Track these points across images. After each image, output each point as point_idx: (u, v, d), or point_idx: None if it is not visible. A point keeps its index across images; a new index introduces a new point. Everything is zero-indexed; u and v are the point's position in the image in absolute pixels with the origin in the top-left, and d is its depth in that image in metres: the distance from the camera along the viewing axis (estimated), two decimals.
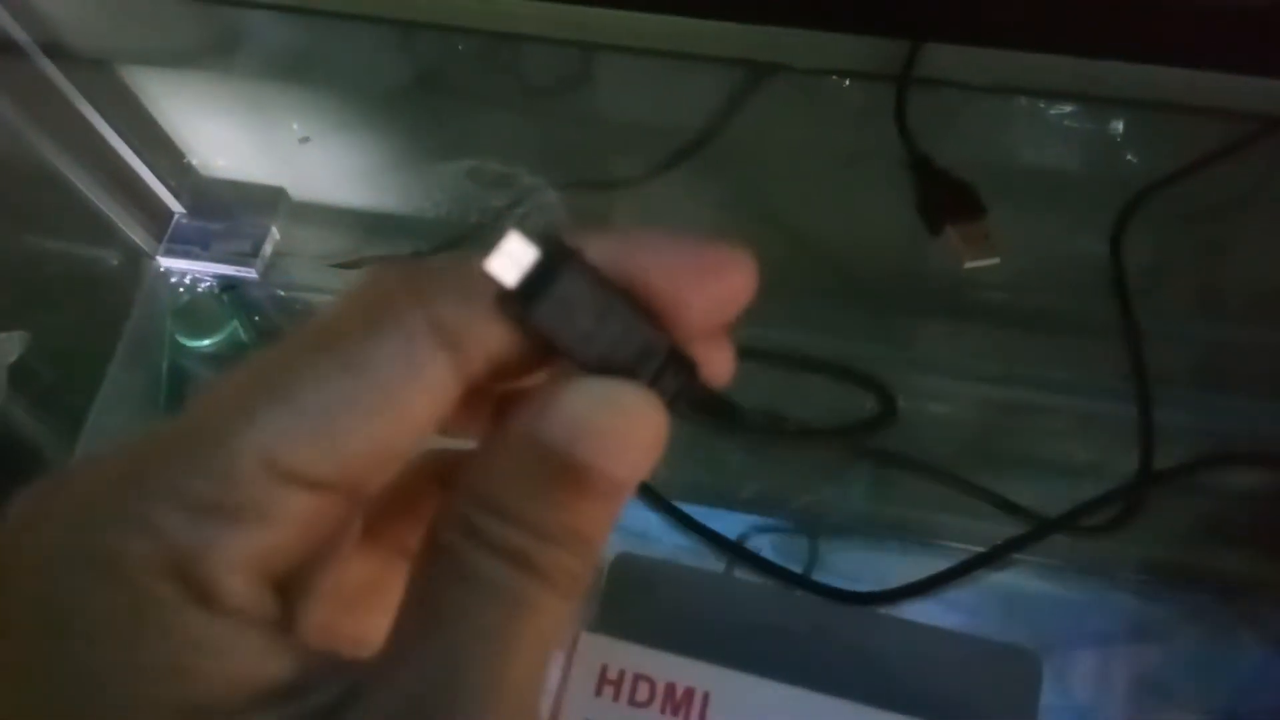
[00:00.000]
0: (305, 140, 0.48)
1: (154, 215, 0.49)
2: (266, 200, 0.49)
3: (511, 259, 0.15)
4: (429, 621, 0.15)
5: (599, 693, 0.33)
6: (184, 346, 0.46)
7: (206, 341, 0.46)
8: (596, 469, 0.15)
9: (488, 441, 0.16)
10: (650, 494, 0.40)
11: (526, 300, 0.15)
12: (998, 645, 0.35)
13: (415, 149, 0.52)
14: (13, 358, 0.46)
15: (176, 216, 0.49)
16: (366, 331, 0.15)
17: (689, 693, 0.33)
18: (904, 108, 0.47)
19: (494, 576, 0.15)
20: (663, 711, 0.33)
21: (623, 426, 0.15)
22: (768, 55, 0.50)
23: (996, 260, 0.43)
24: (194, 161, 0.51)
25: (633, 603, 0.37)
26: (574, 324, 0.15)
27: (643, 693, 0.33)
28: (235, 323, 0.46)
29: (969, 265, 0.43)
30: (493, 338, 0.15)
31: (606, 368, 0.15)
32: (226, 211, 0.49)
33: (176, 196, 0.49)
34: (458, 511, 0.15)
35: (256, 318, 0.47)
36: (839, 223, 0.48)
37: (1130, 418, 0.41)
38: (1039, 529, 0.38)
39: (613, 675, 0.33)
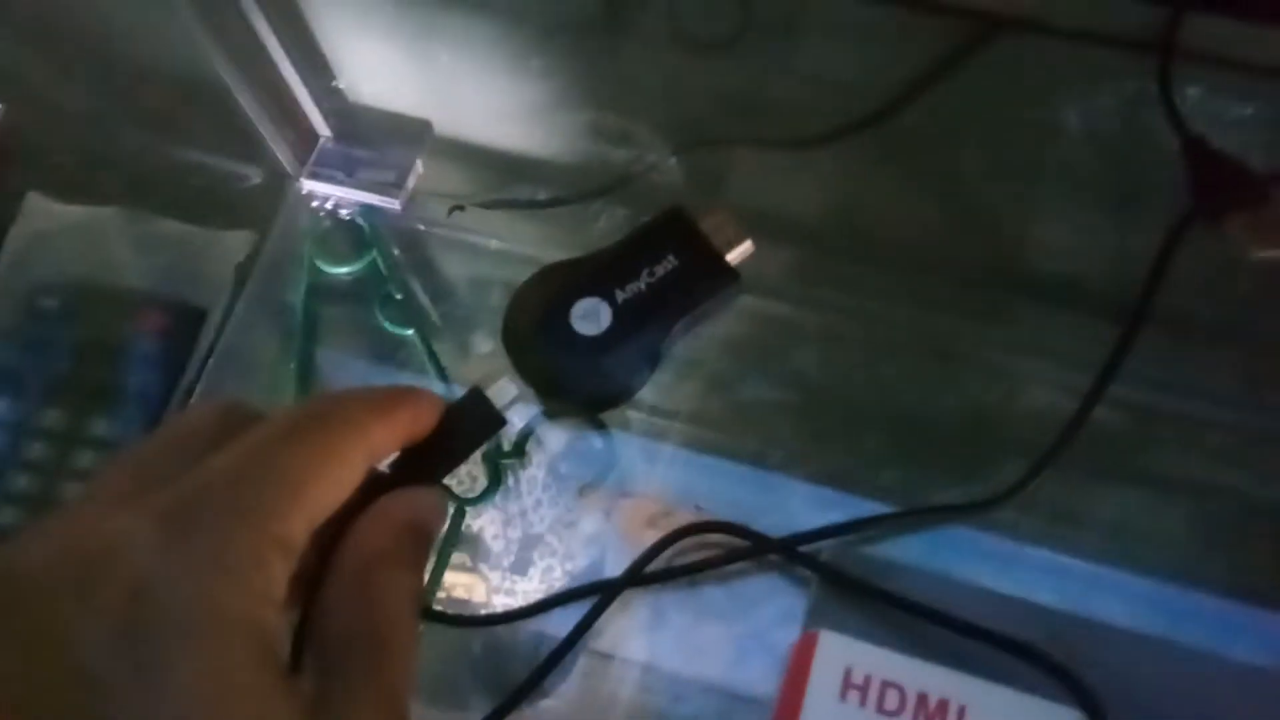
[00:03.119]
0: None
1: (301, 136, 0.48)
2: (412, 132, 0.48)
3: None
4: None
5: (844, 698, 0.31)
6: (322, 271, 0.45)
7: (345, 269, 0.46)
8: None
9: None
10: None
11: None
12: (1253, 670, 0.33)
13: (564, 93, 0.51)
14: (239, 258, 0.46)
15: (322, 140, 0.48)
16: (322, 451, 0.23)
17: (943, 704, 0.31)
18: (1169, 79, 0.42)
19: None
20: None
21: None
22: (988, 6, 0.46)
23: None
24: (342, 85, 0.50)
25: (854, 603, 0.35)
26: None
27: (892, 701, 0.31)
28: (375, 252, 0.46)
29: (1259, 255, 0.39)
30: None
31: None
32: (372, 140, 0.48)
33: (325, 120, 0.48)
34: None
35: (396, 250, 0.46)
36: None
37: None
38: None
39: (858, 680, 0.31)
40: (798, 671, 0.33)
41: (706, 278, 0.37)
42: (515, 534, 0.41)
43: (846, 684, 0.32)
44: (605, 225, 0.45)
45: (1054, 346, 0.42)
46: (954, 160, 0.46)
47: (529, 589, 0.39)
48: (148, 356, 0.44)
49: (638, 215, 0.44)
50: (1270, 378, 0.40)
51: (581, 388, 0.34)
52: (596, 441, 0.42)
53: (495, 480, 0.41)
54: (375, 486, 0.25)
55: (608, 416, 0.42)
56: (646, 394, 0.43)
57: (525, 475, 0.41)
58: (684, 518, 0.39)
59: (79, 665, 0.19)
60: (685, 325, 0.38)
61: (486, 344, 0.44)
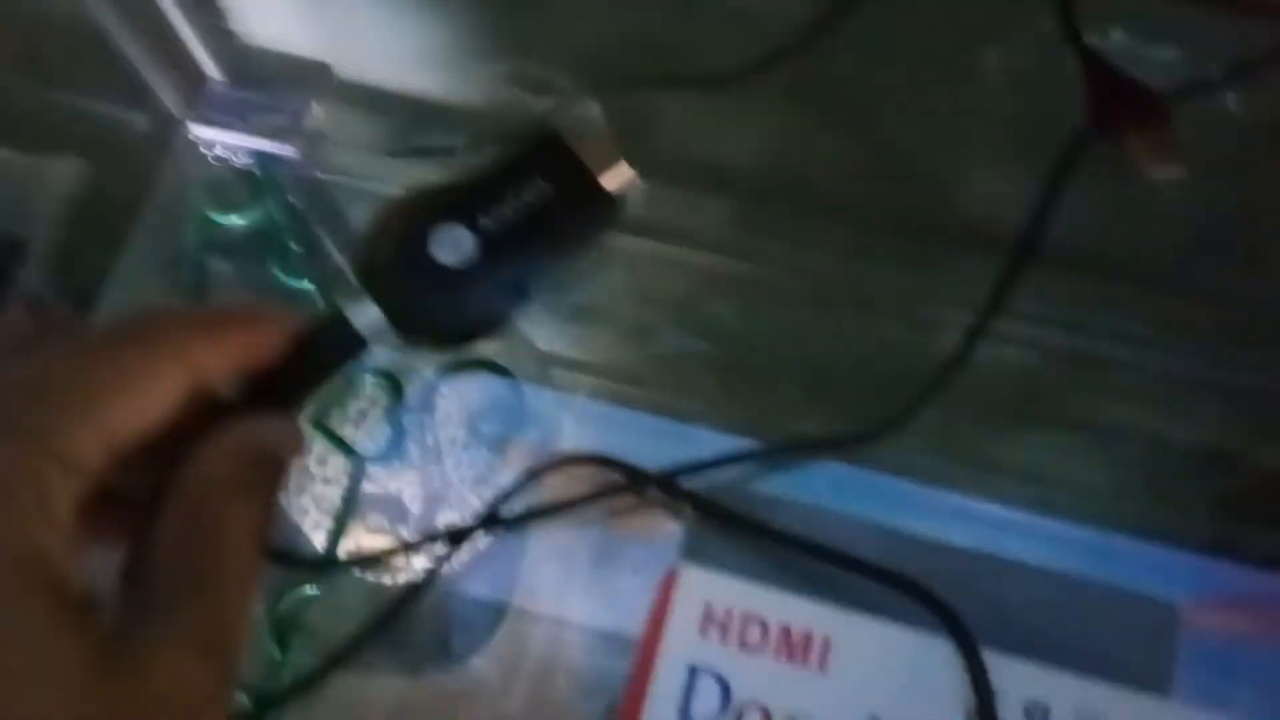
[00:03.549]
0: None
1: (189, 79, 0.45)
2: (309, 74, 0.46)
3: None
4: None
5: (704, 633, 0.30)
6: (213, 222, 0.43)
7: (237, 219, 0.43)
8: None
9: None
10: None
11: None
12: (1130, 595, 0.33)
13: (476, 37, 0.49)
14: (68, 188, 0.42)
15: (212, 82, 0.46)
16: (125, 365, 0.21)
17: (807, 637, 0.30)
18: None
19: None
20: (778, 657, 0.30)
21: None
22: None
23: (1184, 173, 0.38)
24: (234, 27, 0.47)
25: (720, 536, 0.34)
26: None
27: (754, 634, 0.30)
28: (270, 201, 0.43)
29: (1157, 176, 0.38)
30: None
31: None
32: (266, 83, 0.46)
33: (215, 62, 0.46)
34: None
35: (291, 199, 0.44)
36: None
37: None
38: None
39: (718, 615, 0.30)
40: (659, 608, 0.32)
41: (583, 204, 0.35)
42: (433, 494, 0.39)
43: (707, 619, 0.31)
44: None
45: (973, 294, 0.41)
46: (874, 100, 0.45)
47: (446, 550, 0.38)
48: None
49: None
50: (1182, 317, 0.40)
51: (441, 321, 0.32)
52: (512, 396, 0.40)
53: (399, 437, 0.39)
54: (220, 415, 0.23)
55: (521, 370, 0.40)
56: (564, 346, 0.42)
57: (444, 435, 0.40)
58: (610, 475, 0.38)
59: None
60: (560, 255, 0.36)
61: None
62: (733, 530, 0.35)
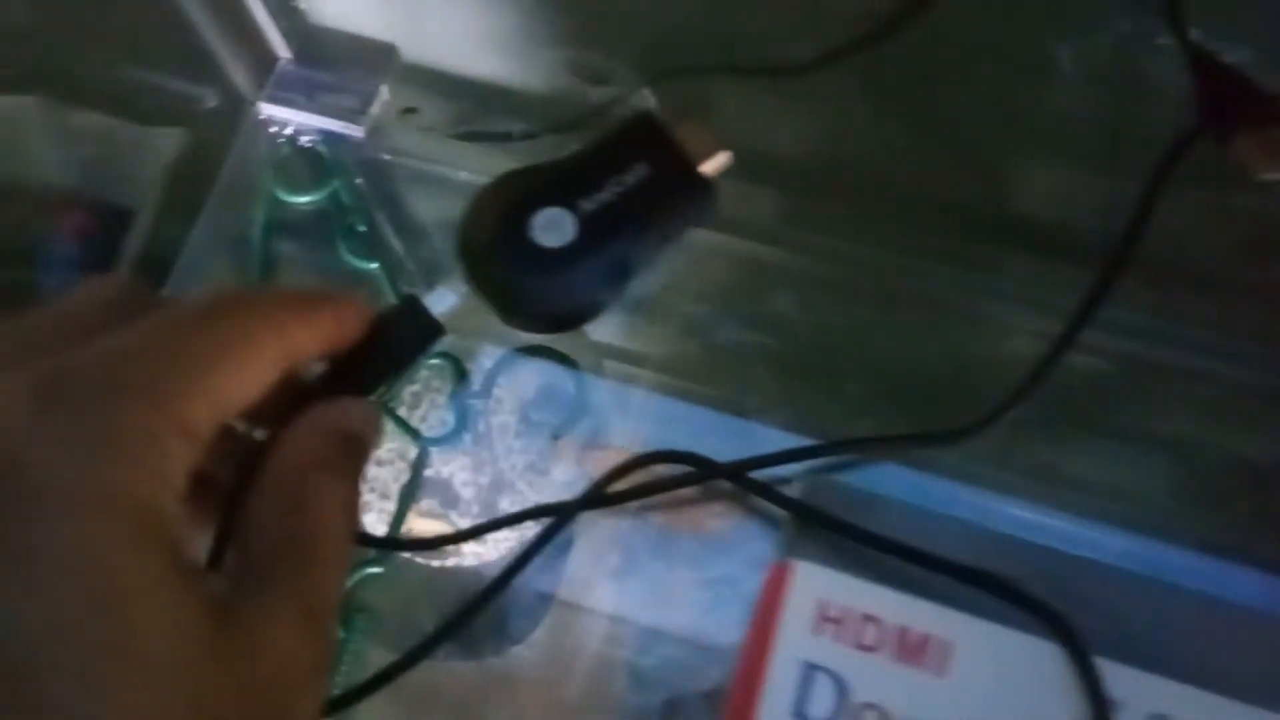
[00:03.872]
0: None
1: (259, 58, 0.45)
2: (378, 56, 0.46)
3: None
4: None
5: (818, 631, 0.30)
6: (281, 201, 0.43)
7: (305, 198, 0.43)
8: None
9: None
10: None
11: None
12: (1248, 611, 0.31)
13: (539, 23, 0.49)
14: (169, 157, 0.43)
15: (282, 62, 0.46)
16: (231, 336, 0.21)
17: (923, 639, 0.29)
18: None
19: None
20: (895, 658, 0.29)
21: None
22: None
23: None
24: (303, 5, 0.47)
25: (832, 533, 0.33)
26: None
27: (870, 635, 0.30)
28: (337, 182, 0.43)
29: (1266, 176, 0.37)
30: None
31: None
32: (334, 63, 0.46)
33: (286, 41, 0.46)
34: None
35: (359, 180, 0.44)
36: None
37: None
38: None
39: (834, 613, 0.30)
40: (769, 604, 0.31)
41: (680, 189, 0.35)
42: (485, 480, 0.39)
43: (821, 617, 0.30)
44: None
45: (1043, 295, 0.40)
46: (947, 95, 0.44)
47: (497, 536, 0.38)
48: (67, 258, 0.41)
49: None
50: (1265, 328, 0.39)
51: (543, 304, 0.32)
52: (569, 387, 0.40)
53: (463, 421, 0.40)
54: (304, 398, 0.23)
55: (582, 361, 0.40)
56: (620, 338, 0.42)
57: (497, 421, 0.40)
58: (658, 469, 0.38)
59: None
60: (657, 240, 0.36)
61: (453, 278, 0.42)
62: (827, 532, 0.34)
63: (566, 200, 0.32)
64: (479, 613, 0.36)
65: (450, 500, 0.39)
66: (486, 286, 0.31)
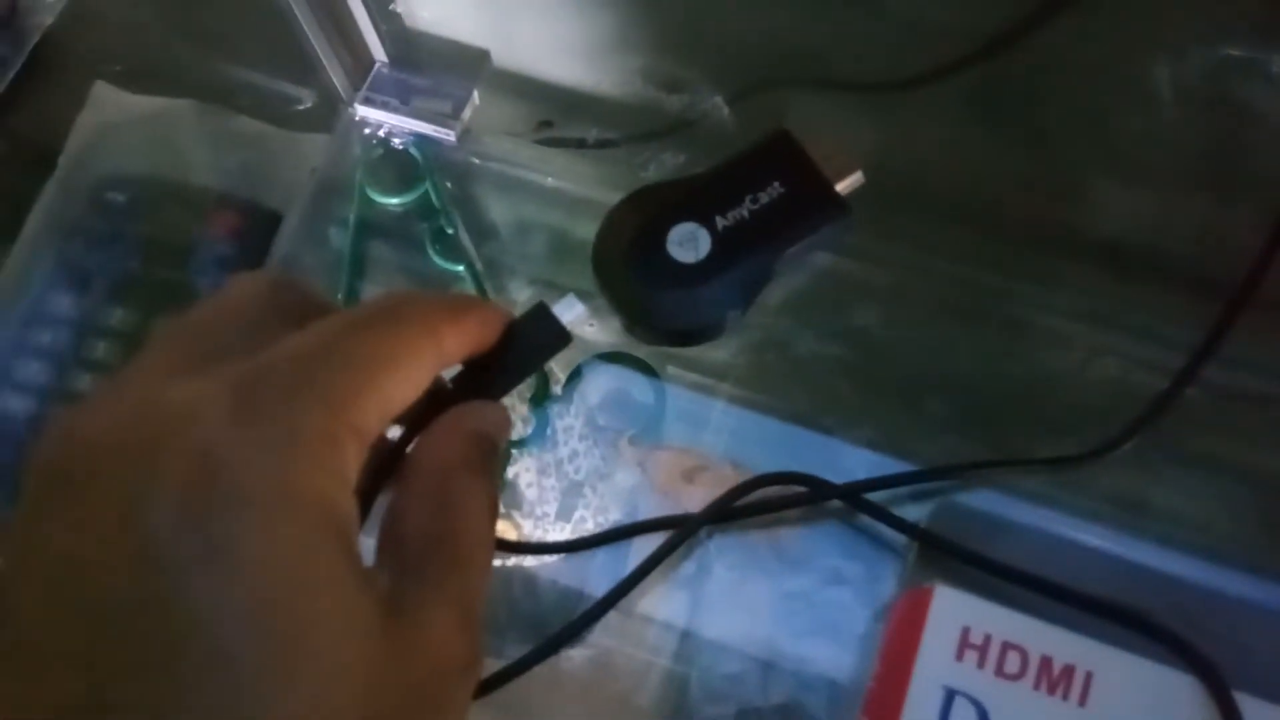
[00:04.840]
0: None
1: (357, 59, 0.46)
2: (471, 61, 0.47)
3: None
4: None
5: (960, 657, 0.30)
6: (373, 201, 0.44)
7: (396, 200, 0.44)
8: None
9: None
10: None
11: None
12: None
13: (622, 32, 0.49)
14: (315, 162, 0.44)
15: (378, 64, 0.47)
16: (395, 342, 0.22)
17: (1068, 669, 0.29)
18: None
19: None
20: (1037, 688, 0.29)
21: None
22: None
23: None
24: (399, 9, 0.48)
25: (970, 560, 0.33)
26: None
27: (1013, 664, 0.29)
28: (427, 184, 0.44)
29: None
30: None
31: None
32: (428, 67, 0.47)
33: (382, 43, 0.47)
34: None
35: (449, 184, 0.45)
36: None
37: None
38: None
39: (976, 639, 0.30)
40: (907, 629, 0.31)
41: (815, 208, 0.34)
42: (550, 482, 0.40)
43: (964, 643, 0.30)
44: (654, 172, 0.43)
45: (1130, 319, 0.40)
46: (1043, 114, 0.44)
47: (561, 539, 0.38)
48: (219, 258, 0.43)
49: (689, 163, 0.43)
50: None
51: (674, 318, 0.32)
52: (641, 393, 0.41)
53: (544, 423, 0.40)
54: (440, 400, 0.24)
55: (659, 369, 0.41)
56: (699, 348, 0.42)
57: (563, 424, 0.40)
58: (721, 474, 0.38)
59: (146, 541, 0.17)
60: (791, 258, 0.36)
61: (538, 283, 0.43)
62: (951, 557, 0.34)
63: (702, 216, 0.32)
64: (596, 619, 0.36)
65: (515, 501, 0.40)
66: (619, 297, 0.31)
